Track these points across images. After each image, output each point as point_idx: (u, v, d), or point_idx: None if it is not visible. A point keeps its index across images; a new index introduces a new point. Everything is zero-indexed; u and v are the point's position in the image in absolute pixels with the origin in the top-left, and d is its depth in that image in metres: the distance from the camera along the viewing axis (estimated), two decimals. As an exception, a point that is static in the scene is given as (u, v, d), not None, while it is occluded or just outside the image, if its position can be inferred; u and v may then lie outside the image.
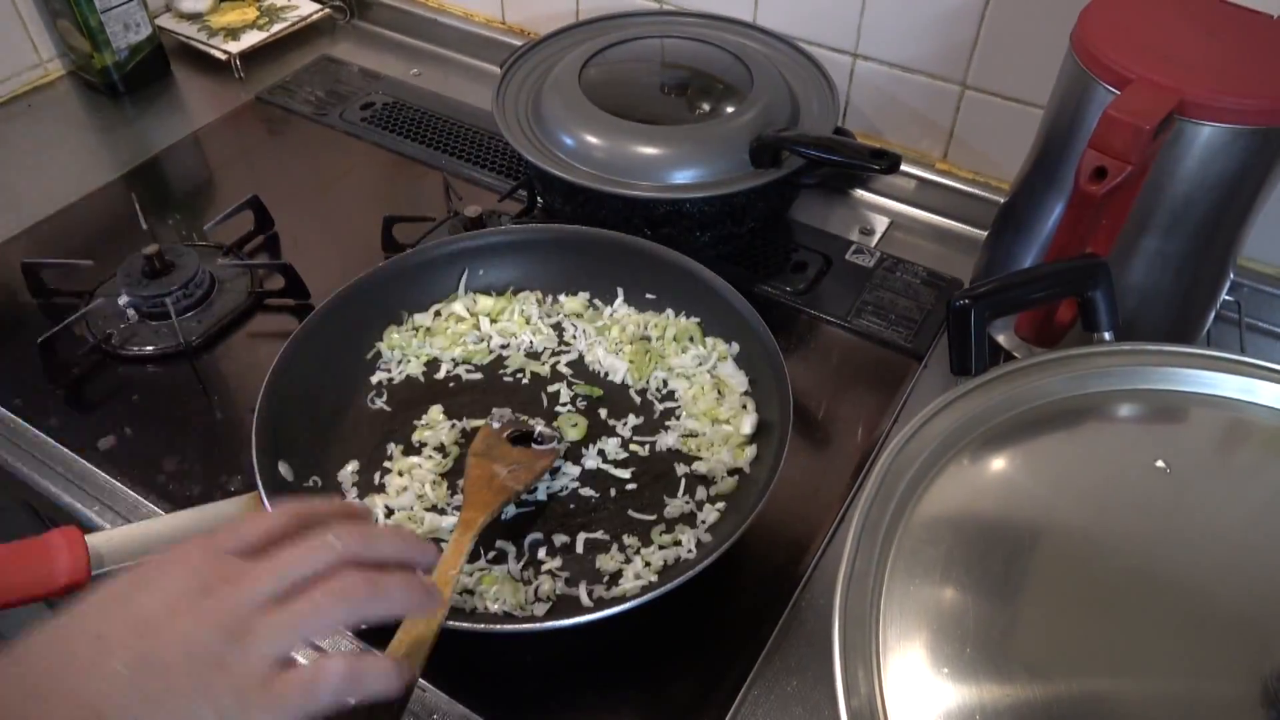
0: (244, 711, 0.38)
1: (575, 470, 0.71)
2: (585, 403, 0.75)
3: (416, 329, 0.80)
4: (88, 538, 0.56)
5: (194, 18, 1.22)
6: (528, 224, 0.92)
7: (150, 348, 0.83)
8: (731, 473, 0.70)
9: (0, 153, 1.06)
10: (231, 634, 0.39)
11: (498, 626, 0.59)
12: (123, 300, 0.85)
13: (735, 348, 0.76)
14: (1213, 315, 0.76)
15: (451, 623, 0.56)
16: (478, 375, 0.78)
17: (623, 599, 0.60)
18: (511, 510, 0.68)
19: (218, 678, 0.38)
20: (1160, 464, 0.55)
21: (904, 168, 0.94)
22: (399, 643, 0.53)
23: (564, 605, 0.63)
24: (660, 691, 0.61)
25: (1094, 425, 0.60)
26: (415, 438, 0.73)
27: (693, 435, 0.72)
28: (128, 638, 0.39)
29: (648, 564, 0.65)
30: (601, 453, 0.72)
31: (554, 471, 0.70)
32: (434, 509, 0.68)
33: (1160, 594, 0.50)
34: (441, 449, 0.72)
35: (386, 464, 0.71)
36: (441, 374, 0.78)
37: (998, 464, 0.56)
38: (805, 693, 0.62)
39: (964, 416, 0.57)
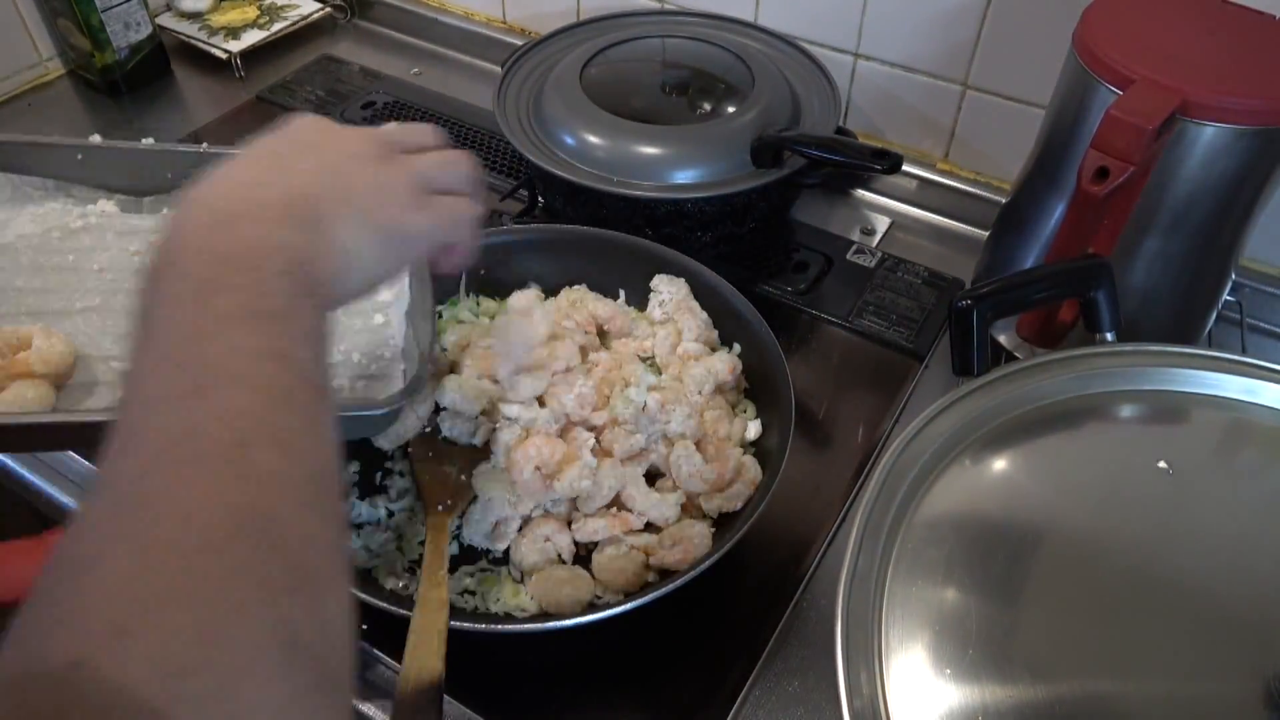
0: (414, 207, 0.46)
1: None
2: None
3: None
4: None
5: (194, 17, 1.21)
6: (529, 224, 0.92)
7: (151, 347, 0.83)
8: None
9: (0, 152, 1.06)
10: (392, 160, 0.47)
11: (499, 627, 0.59)
12: (123, 300, 0.85)
13: (737, 349, 0.76)
14: (1214, 316, 0.76)
15: (454, 623, 0.56)
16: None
17: (623, 600, 0.60)
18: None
19: (392, 174, 0.46)
20: (1162, 464, 0.55)
21: (905, 168, 0.94)
22: (413, 646, 0.53)
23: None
24: (661, 692, 0.61)
25: (1096, 426, 0.60)
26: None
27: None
28: (312, 150, 0.44)
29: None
30: None
31: None
32: None
33: (1162, 594, 0.50)
34: None
35: (388, 464, 0.71)
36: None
37: (1000, 465, 0.56)
38: (807, 694, 0.62)
39: (966, 417, 0.57)
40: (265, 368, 0.34)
